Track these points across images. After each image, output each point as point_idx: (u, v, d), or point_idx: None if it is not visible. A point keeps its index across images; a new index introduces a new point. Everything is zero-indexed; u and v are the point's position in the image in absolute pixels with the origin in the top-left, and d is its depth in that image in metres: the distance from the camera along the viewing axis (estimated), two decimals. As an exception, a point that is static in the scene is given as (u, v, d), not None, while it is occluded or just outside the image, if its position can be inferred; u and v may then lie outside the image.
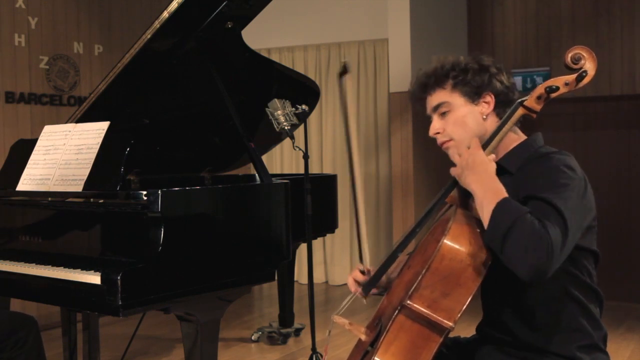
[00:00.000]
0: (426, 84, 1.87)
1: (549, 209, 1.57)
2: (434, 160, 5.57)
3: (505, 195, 1.61)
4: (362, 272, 1.94)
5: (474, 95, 1.81)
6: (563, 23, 5.71)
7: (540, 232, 1.52)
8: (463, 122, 1.82)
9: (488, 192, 1.63)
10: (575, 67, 1.68)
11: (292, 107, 3.42)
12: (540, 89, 1.70)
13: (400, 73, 5.46)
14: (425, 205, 5.46)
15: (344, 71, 1.90)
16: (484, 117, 1.81)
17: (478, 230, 1.65)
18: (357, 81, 6.29)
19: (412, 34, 5.43)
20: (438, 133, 1.86)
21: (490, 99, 1.81)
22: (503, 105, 1.80)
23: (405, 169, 5.35)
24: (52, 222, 2.68)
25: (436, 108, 1.86)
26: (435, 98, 1.85)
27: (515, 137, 1.83)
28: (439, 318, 1.60)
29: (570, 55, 1.68)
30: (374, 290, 1.92)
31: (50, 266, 2.38)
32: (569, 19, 5.68)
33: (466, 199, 1.81)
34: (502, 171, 1.75)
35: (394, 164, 5.49)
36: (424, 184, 5.48)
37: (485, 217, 1.61)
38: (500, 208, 1.58)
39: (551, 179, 1.65)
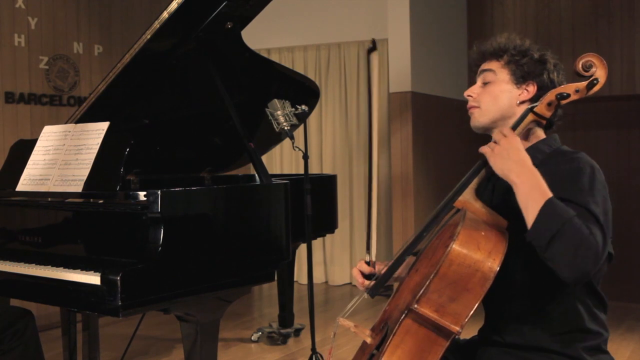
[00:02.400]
0: (485, 52, 1.93)
1: (587, 214, 1.59)
2: (433, 161, 5.57)
3: (550, 194, 1.60)
4: (367, 264, 1.96)
5: (519, 78, 1.85)
6: (563, 23, 5.71)
7: (589, 238, 1.54)
8: (497, 97, 1.86)
9: (534, 189, 1.61)
10: (586, 74, 1.69)
11: (292, 107, 3.41)
12: (550, 96, 1.72)
13: (400, 73, 5.46)
14: (425, 206, 5.46)
15: (373, 48, 1.91)
16: (518, 102, 1.84)
17: (487, 235, 1.65)
18: (356, 81, 6.29)
19: (412, 34, 5.43)
20: (470, 96, 1.92)
21: (532, 88, 1.84)
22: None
23: (405, 170, 5.35)
24: (52, 223, 2.67)
25: (482, 72, 1.91)
26: (488, 64, 1.91)
27: (535, 134, 1.84)
28: (446, 323, 1.59)
29: (581, 62, 1.69)
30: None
31: (50, 266, 2.39)
32: (569, 19, 5.68)
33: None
34: None
35: (394, 164, 5.49)
36: (424, 184, 5.48)
37: (531, 215, 1.59)
38: (548, 208, 1.57)
39: (582, 181, 1.67)
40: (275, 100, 3.37)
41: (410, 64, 5.40)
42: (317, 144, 6.44)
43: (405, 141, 5.38)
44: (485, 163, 1.76)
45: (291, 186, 2.87)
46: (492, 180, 1.88)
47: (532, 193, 1.60)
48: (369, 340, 1.81)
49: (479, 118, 1.88)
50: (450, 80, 5.91)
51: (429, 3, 5.68)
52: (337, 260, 6.38)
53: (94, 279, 2.19)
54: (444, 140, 5.75)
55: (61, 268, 2.35)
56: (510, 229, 1.70)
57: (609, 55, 5.37)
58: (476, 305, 1.60)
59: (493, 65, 1.89)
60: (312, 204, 3.66)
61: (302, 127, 3.71)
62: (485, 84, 1.90)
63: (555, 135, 1.88)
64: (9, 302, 2.98)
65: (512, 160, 1.65)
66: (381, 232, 6.15)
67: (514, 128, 1.76)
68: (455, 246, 1.60)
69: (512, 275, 1.73)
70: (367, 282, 1.92)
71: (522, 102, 1.84)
